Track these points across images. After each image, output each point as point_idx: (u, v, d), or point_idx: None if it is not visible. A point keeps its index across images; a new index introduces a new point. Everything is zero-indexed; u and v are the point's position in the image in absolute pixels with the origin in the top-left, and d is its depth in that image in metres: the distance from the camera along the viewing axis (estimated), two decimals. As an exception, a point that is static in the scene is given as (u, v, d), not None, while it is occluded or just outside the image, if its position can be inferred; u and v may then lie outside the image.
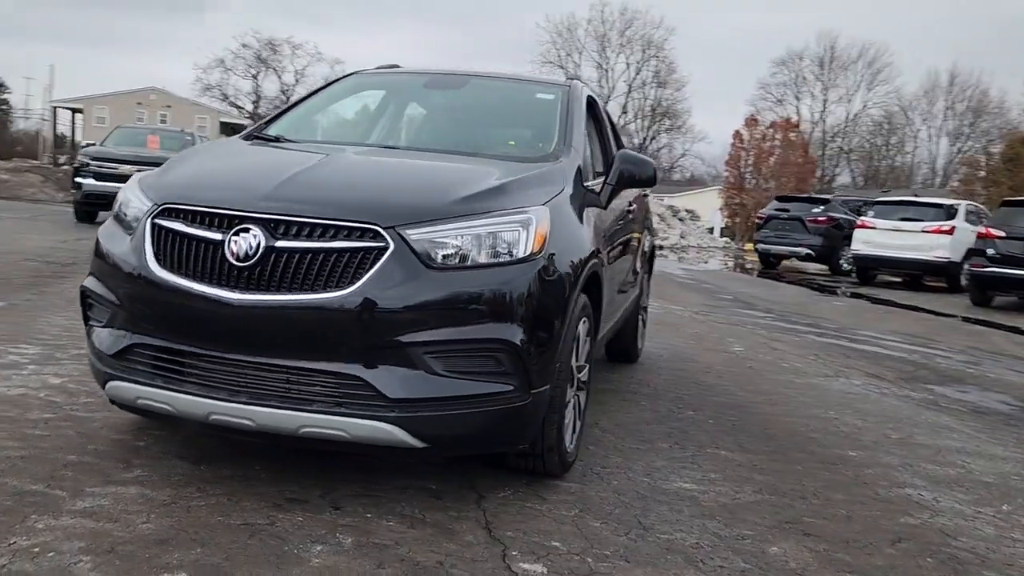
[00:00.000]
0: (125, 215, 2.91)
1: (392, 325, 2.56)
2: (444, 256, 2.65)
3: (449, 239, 2.67)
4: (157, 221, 2.76)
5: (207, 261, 2.61)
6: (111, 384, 2.80)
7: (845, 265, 17.77)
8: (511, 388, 2.71)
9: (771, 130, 40.01)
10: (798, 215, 18.44)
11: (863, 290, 14.76)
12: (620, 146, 5.37)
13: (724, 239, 34.37)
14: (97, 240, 2.98)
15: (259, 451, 3.13)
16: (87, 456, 2.98)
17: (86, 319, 3.00)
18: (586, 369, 3.40)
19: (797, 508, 3.14)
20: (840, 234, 17.84)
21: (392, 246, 2.58)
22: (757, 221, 20.49)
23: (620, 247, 4.18)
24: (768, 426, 4.34)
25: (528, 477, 3.13)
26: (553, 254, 2.88)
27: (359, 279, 2.54)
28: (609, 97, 65.84)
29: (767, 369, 6.03)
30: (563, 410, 3.01)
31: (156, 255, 2.71)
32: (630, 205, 4.48)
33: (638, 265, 5.03)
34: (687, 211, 43.51)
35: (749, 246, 27.84)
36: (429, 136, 4.07)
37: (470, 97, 4.22)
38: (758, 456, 3.76)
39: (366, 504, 2.76)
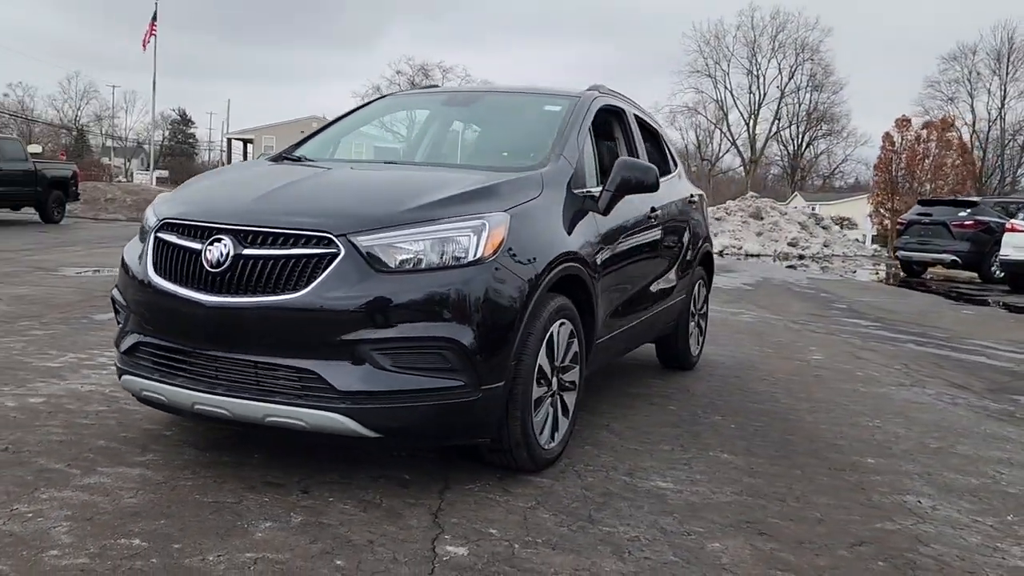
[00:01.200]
0: (142, 230, 3.33)
1: (342, 324, 2.80)
2: (396, 260, 2.87)
3: (400, 244, 2.88)
4: (159, 235, 3.14)
5: (188, 268, 2.96)
6: (124, 378, 3.21)
7: (997, 272, 16.47)
8: (460, 384, 2.88)
9: (925, 131, 37.50)
10: (942, 219, 17.29)
11: (1012, 299, 13.66)
12: (669, 153, 5.41)
13: (874, 247, 32.53)
14: (122, 254, 3.41)
15: (262, 441, 3.45)
16: (114, 442, 3.40)
17: (117, 323, 3.44)
18: (573, 370, 3.51)
19: (768, 510, 3.11)
20: (990, 239, 16.55)
21: (343, 251, 2.83)
22: (898, 227, 19.36)
23: (635, 252, 4.24)
24: (793, 432, 4.25)
25: (502, 472, 3.28)
26: (513, 256, 3.03)
27: (312, 282, 2.80)
28: (760, 103, 63.97)
29: (835, 378, 5.82)
30: (528, 407, 3.14)
31: (155, 264, 3.09)
32: (653, 211, 4.52)
33: (676, 271, 5.03)
34: (839, 218, 41.57)
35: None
36: (435, 151, 4.31)
37: (481, 112, 4.43)
38: (760, 460, 3.72)
39: (334, 490, 3.01)
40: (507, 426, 3.10)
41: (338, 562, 2.45)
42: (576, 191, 3.67)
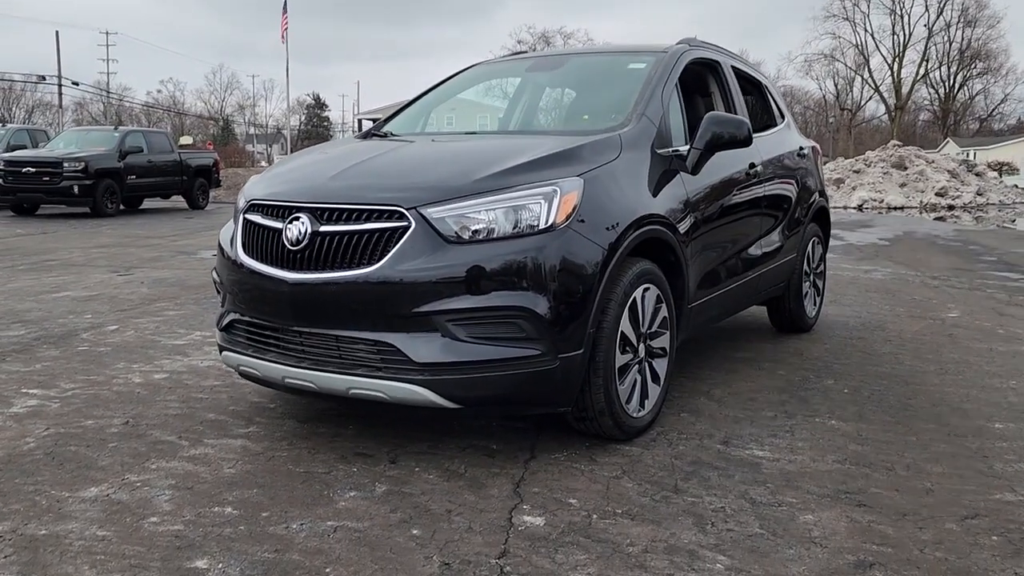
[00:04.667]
0: (235, 212, 3.47)
1: (415, 296, 2.82)
2: (468, 231, 2.86)
3: (471, 214, 2.87)
4: (246, 215, 3.26)
5: (273, 247, 3.06)
6: (224, 354, 3.37)
7: None
8: (537, 352, 2.85)
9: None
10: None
11: None
12: (775, 105, 5.14)
13: (1038, 193, 29.83)
14: (218, 236, 3.57)
15: (357, 413, 3.55)
16: (223, 415, 3.59)
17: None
18: (663, 336, 3.41)
19: (872, 479, 2.92)
20: None
21: (414, 224, 2.84)
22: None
23: (732, 211, 4.05)
24: (913, 396, 3.97)
25: (591, 441, 3.23)
26: (587, 222, 2.96)
27: (386, 255, 2.84)
28: (905, 45, 59.89)
29: (970, 337, 5.39)
30: (611, 375, 3.07)
31: (244, 244, 3.22)
32: (752, 168, 4.30)
33: (782, 230, 4.78)
34: (998, 164, 38.38)
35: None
36: (523, 118, 4.25)
37: (566, 76, 4.33)
38: (872, 427, 3.50)
39: (420, 460, 3.06)
40: (589, 394, 3.05)
41: (414, 531, 2.49)
42: (661, 151, 3.53)
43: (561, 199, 2.92)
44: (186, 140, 25.32)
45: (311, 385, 3.02)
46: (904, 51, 60.45)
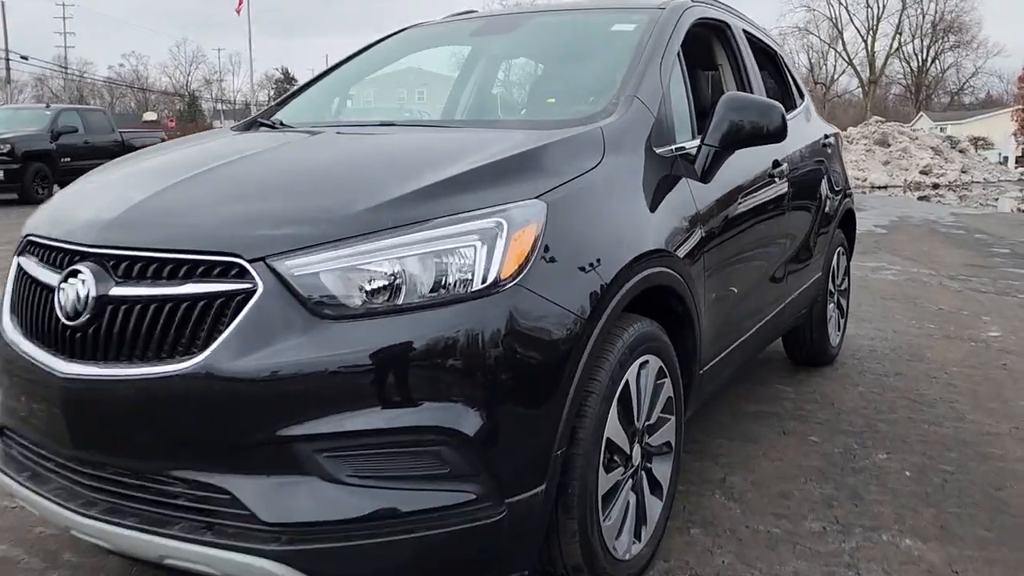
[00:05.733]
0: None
1: (264, 411, 1.66)
2: (354, 297, 1.70)
3: (362, 267, 1.71)
4: (20, 258, 2.09)
5: (43, 313, 1.90)
6: (-3, 473, 2.18)
7: None
8: (470, 497, 1.72)
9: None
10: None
11: None
12: (793, 82, 4.03)
13: (1020, 170, 29.19)
14: None
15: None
16: (17, 548, 2.42)
17: None
18: (667, 425, 2.30)
19: None
20: None
21: (261, 286, 1.68)
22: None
23: (754, 231, 2.94)
24: (1001, 481, 2.90)
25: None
26: (546, 272, 1.82)
27: (214, 340, 1.67)
28: (879, 17, 59.08)
29: (1031, 368, 4.35)
30: (590, 510, 1.96)
31: (12, 305, 2.05)
32: (776, 167, 3.18)
33: (809, 244, 3.68)
34: (974, 139, 37.71)
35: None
36: (467, 102, 3.09)
37: (525, 43, 3.16)
38: (966, 548, 2.42)
39: None
40: (558, 545, 1.94)
41: None
42: (660, 150, 2.40)
43: (509, 238, 1.78)
44: (150, 116, 23.70)
45: (106, 544, 1.86)
46: (878, 23, 59.66)
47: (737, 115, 2.53)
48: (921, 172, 22.59)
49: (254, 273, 1.68)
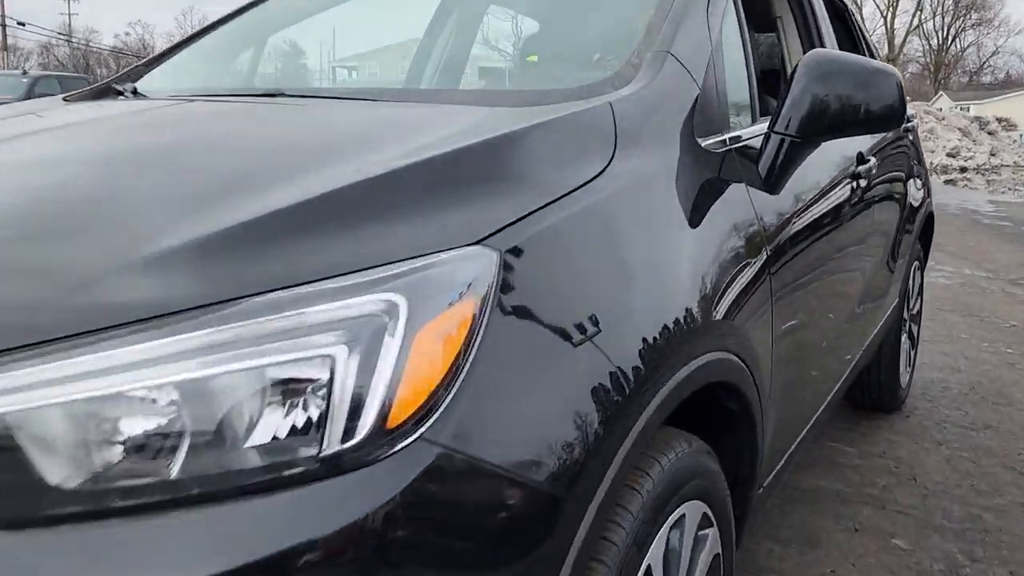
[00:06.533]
0: None
1: None
2: (74, 475, 0.78)
3: (97, 412, 0.79)
4: None
5: None
6: None
7: None
8: None
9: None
10: None
11: None
12: (867, 48, 3.09)
13: (1050, 152, 27.94)
14: None
15: None
16: None
17: None
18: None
19: None
20: None
21: None
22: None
23: (835, 260, 2.00)
24: None
25: None
26: (504, 395, 0.90)
27: None
28: (899, -6, 57.36)
29: None
30: None
31: None
32: (861, 163, 2.24)
33: (887, 265, 2.74)
34: (1000, 120, 36.38)
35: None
36: (435, 64, 2.15)
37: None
38: None
39: None
40: None
41: None
42: (708, 141, 1.46)
43: (409, 335, 0.85)
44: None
45: None
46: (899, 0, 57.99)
47: (824, 86, 1.57)
48: (948, 155, 21.44)
49: None
